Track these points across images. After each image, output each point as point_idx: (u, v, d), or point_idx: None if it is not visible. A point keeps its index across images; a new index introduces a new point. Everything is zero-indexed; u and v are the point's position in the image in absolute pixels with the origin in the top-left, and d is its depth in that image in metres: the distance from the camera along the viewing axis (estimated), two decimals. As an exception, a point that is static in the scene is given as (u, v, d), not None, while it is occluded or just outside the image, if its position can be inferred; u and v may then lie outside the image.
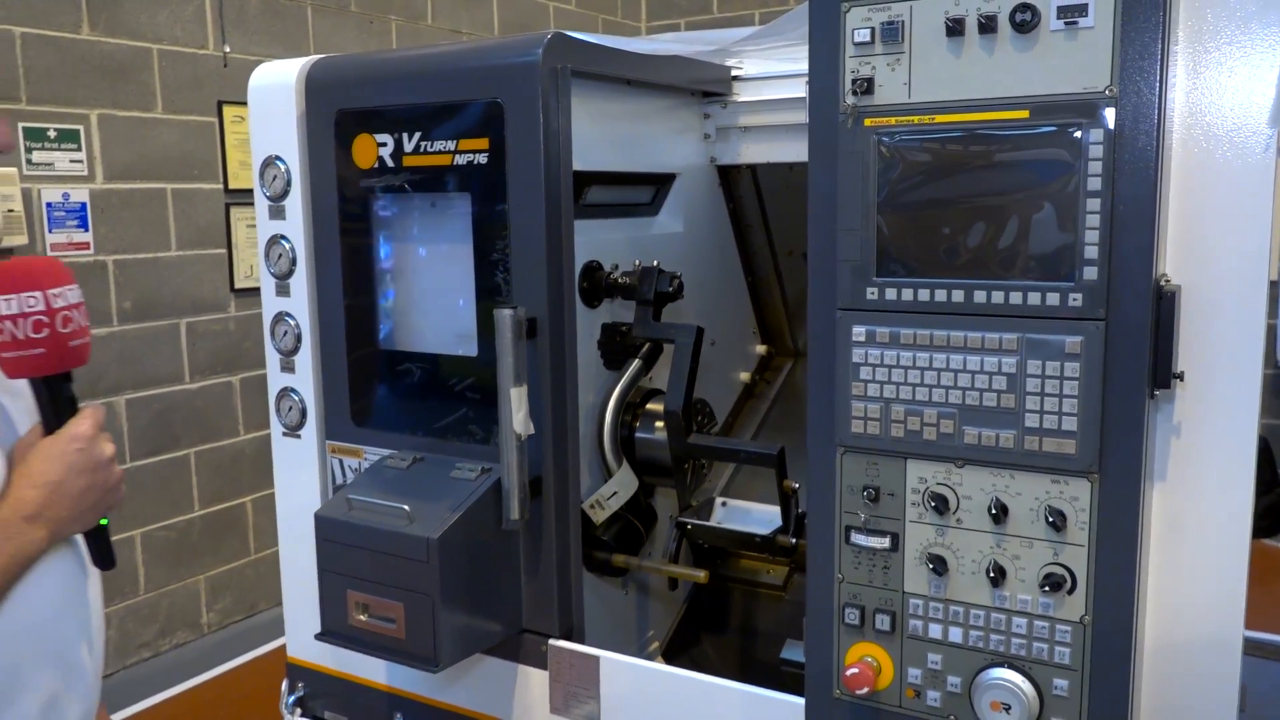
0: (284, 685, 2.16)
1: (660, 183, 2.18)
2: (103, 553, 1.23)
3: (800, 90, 2.14)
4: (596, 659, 1.76)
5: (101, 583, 1.32)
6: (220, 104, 4.00)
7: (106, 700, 3.80)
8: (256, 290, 4.17)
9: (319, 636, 1.80)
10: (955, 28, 1.22)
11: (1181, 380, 1.23)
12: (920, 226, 1.27)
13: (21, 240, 3.37)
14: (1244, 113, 1.21)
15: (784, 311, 2.60)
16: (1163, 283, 1.21)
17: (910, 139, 1.26)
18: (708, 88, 2.21)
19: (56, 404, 1.17)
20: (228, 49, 4.00)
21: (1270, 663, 2.68)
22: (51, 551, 1.16)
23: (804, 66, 2.07)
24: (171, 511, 3.95)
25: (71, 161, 3.54)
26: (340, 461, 2.02)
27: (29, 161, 3.42)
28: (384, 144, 1.85)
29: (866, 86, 1.28)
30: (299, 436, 2.06)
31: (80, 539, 1.23)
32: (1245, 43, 1.19)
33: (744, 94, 2.25)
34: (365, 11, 4.54)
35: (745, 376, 2.57)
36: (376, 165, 1.87)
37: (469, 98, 1.75)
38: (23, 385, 1.21)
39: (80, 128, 3.56)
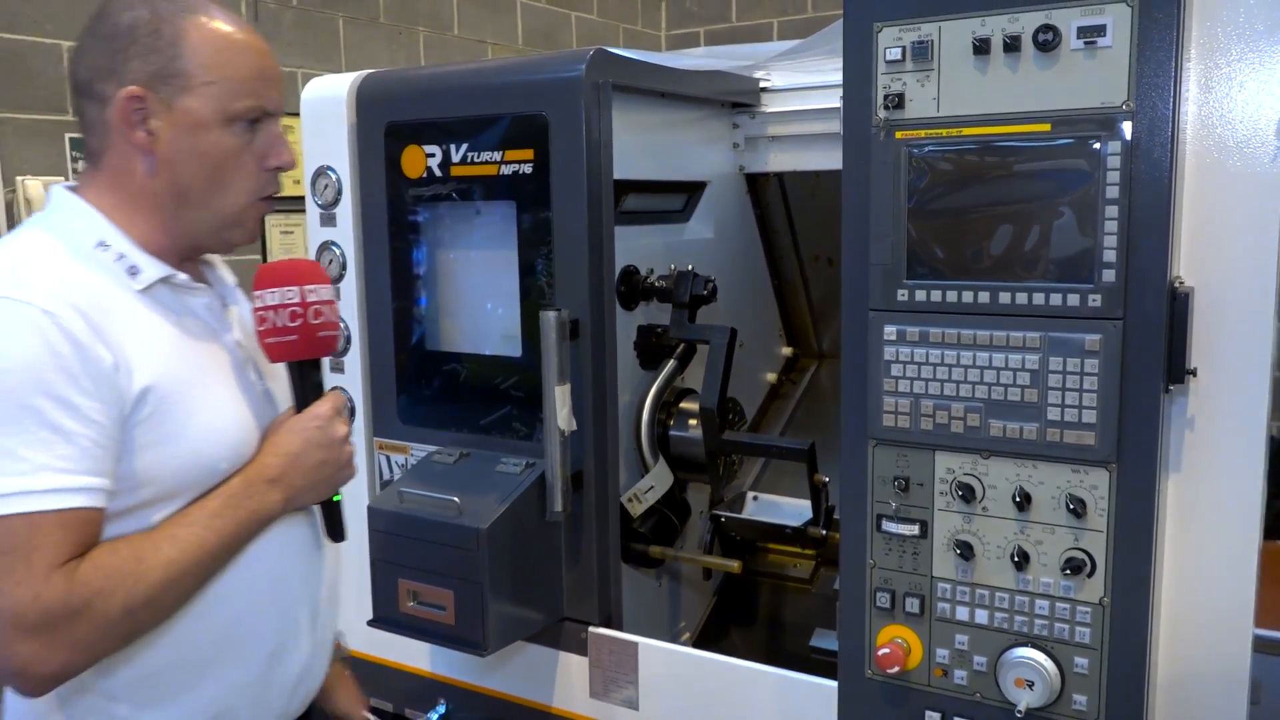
0: (331, 673, 2.24)
1: (692, 190, 2.27)
2: (334, 526, 1.34)
3: (825, 101, 2.23)
4: (635, 645, 1.84)
5: (339, 557, 1.44)
6: (256, 114, 4.11)
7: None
8: (290, 295, 4.28)
9: (371, 623, 1.89)
10: (981, 47, 1.30)
11: (1195, 376, 1.31)
12: (948, 232, 1.36)
13: (68, 247, 3.49)
14: (1253, 125, 1.28)
15: (809, 314, 2.68)
16: (1177, 284, 1.29)
17: (938, 150, 1.34)
18: (737, 99, 2.30)
19: (304, 387, 1.31)
20: (263, 60, 4.11)
21: (1286, 661, 2.75)
22: (289, 520, 1.30)
23: (830, 79, 2.17)
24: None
25: (115, 170, 3.66)
26: (387, 458, 2.11)
27: (75, 171, 3.53)
28: (432, 155, 1.94)
29: (897, 101, 1.36)
30: (347, 434, 2.15)
31: (318, 512, 1.35)
32: (1254, 59, 1.27)
33: (771, 105, 2.33)
34: (394, 23, 4.65)
35: (772, 377, 2.66)
36: (425, 175, 1.96)
37: (515, 111, 1.84)
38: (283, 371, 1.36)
39: (123, 138, 3.68)
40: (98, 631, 1.12)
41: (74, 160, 3.53)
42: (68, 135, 3.52)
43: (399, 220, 2.02)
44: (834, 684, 1.57)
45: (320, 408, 1.31)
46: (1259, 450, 1.33)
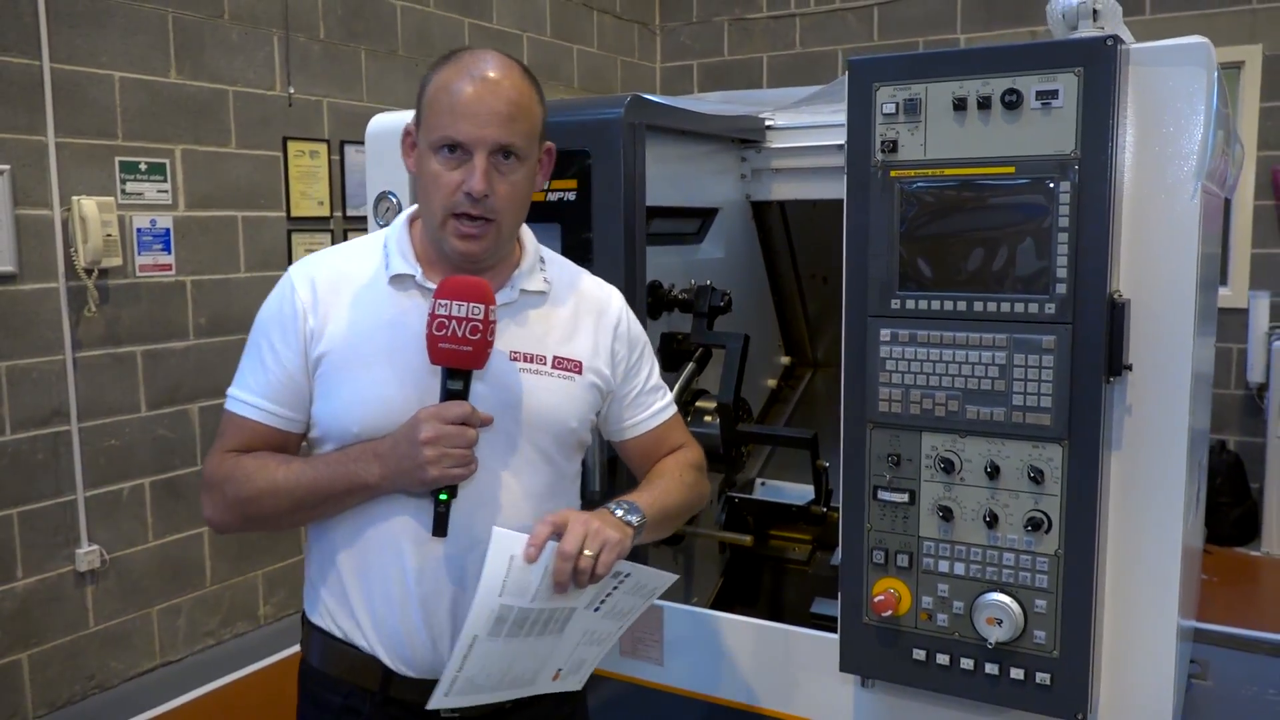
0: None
1: (705, 216, 2.58)
2: (435, 521, 1.40)
3: (822, 139, 2.54)
4: (661, 609, 2.13)
5: (454, 559, 1.46)
6: (285, 139, 4.40)
7: (177, 682, 4.11)
8: (313, 309, 4.58)
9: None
10: (960, 104, 1.62)
11: (1131, 370, 1.62)
12: (932, 253, 1.67)
13: (116, 262, 3.75)
14: (1178, 168, 1.60)
15: (805, 327, 2.99)
16: (1116, 296, 1.60)
17: (925, 186, 1.66)
18: (745, 136, 2.61)
19: (443, 390, 1.40)
20: (292, 90, 4.40)
21: (1241, 653, 3.07)
22: (402, 504, 1.46)
23: (826, 119, 2.48)
24: (235, 511, 4.32)
25: (158, 191, 3.93)
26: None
27: (123, 192, 3.81)
28: (486, 183, 2.24)
29: (892, 147, 1.68)
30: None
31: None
32: (1177, 118, 1.59)
33: (775, 141, 2.64)
34: (411, 55, 4.96)
35: (772, 383, 2.96)
36: (479, 200, 2.25)
37: (562, 147, 2.13)
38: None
39: (166, 161, 3.96)
40: (223, 504, 1.49)
41: (122, 182, 3.81)
42: (118, 159, 3.80)
43: (455, 239, 2.30)
44: (834, 637, 1.87)
45: (426, 410, 1.39)
46: (1182, 432, 1.65)
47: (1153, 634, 1.69)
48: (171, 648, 4.13)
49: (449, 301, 1.37)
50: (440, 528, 1.41)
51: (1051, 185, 1.57)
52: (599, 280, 1.68)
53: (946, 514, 1.70)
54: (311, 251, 4.53)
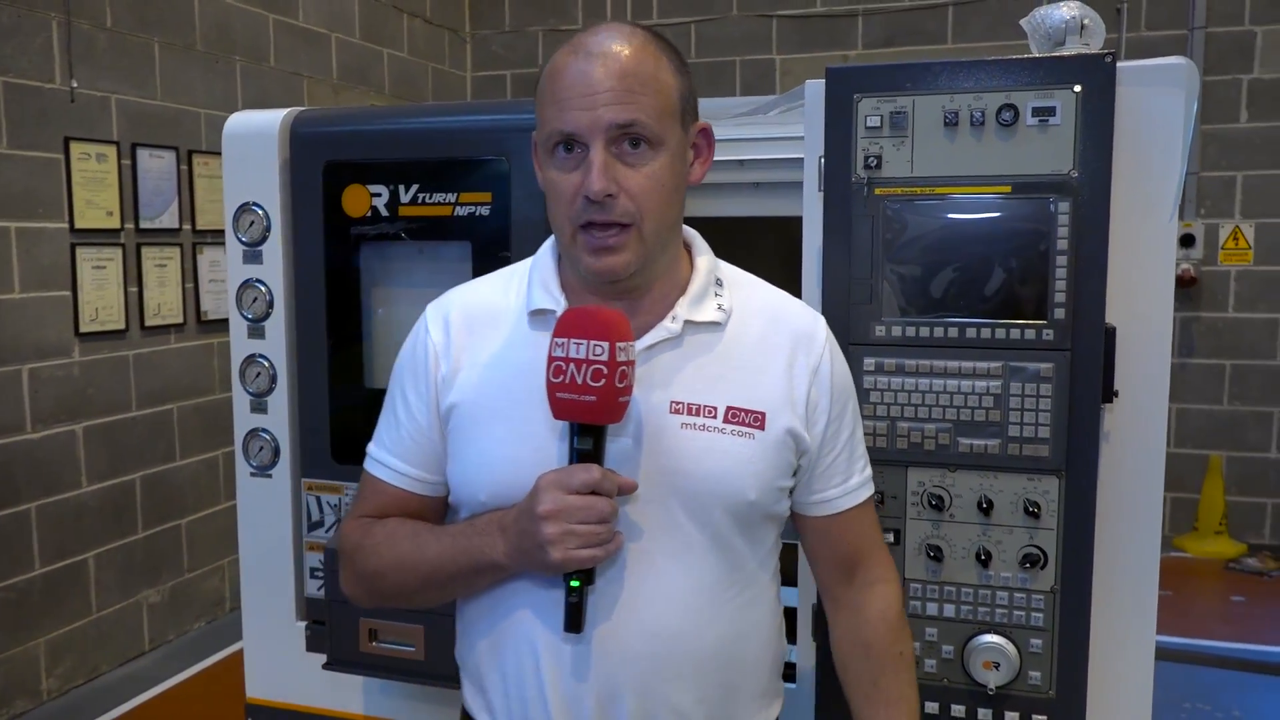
0: (246, 726, 2.16)
1: (604, 233, 2.39)
2: (567, 613, 1.17)
3: (722, 154, 2.41)
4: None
5: (580, 654, 1.23)
6: (67, 140, 3.83)
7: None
8: (102, 334, 4.00)
9: (327, 666, 1.86)
10: (951, 119, 1.53)
11: (1118, 396, 1.58)
12: (921, 276, 1.57)
13: None
14: (1158, 192, 1.57)
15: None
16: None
17: (914, 205, 1.55)
18: (641, 148, 2.45)
19: (570, 449, 1.18)
20: (75, 84, 3.85)
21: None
22: (537, 587, 1.23)
23: (728, 133, 2.36)
24: (10, 570, 3.68)
25: (-89, 198, 3.31)
26: (318, 499, 2.07)
27: None
28: (378, 194, 1.96)
29: (876, 163, 1.56)
30: (270, 476, 2.10)
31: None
32: (1161, 142, 1.55)
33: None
34: (210, 51, 4.47)
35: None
36: (369, 214, 1.97)
37: (474, 155, 1.89)
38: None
39: (-80, 162, 3.34)
40: (354, 577, 1.34)
41: None
42: None
43: (339, 258, 2.01)
44: (792, 686, 1.72)
45: (547, 477, 1.17)
46: (1160, 456, 1.62)
47: (1133, 661, 1.65)
48: (-67, 740, 3.47)
49: (566, 340, 1.15)
50: (573, 622, 1.18)
51: (1051, 206, 1.50)
52: (801, 304, 1.36)
53: (936, 554, 1.60)
54: (100, 270, 3.99)
